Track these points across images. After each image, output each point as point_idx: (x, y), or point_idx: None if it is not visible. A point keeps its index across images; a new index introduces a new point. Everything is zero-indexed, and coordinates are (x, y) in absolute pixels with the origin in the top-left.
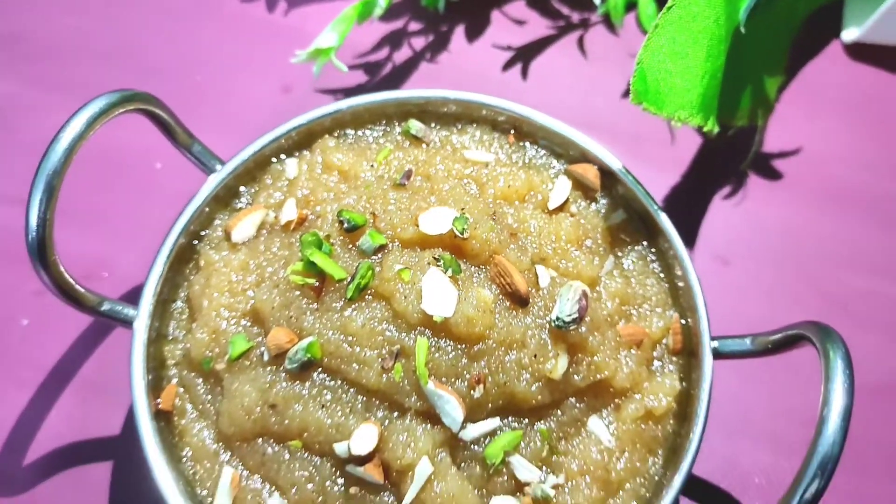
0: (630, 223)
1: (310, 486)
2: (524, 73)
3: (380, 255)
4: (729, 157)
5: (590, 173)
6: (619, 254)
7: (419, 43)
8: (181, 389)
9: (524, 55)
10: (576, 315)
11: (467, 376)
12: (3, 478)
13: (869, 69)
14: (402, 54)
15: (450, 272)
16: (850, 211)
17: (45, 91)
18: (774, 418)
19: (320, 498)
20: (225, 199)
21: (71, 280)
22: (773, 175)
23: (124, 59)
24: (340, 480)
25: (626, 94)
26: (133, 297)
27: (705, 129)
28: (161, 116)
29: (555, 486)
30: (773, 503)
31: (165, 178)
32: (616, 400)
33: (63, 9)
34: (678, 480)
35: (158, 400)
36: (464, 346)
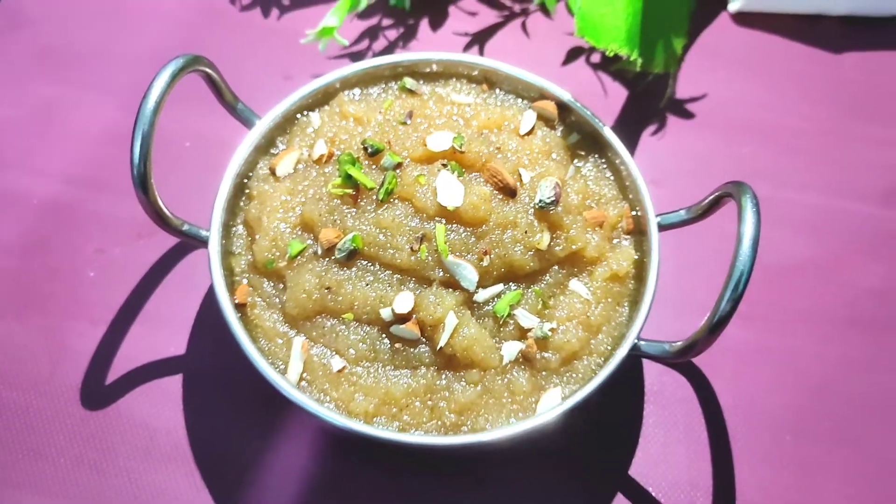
0: (583, 142)
1: (363, 346)
2: (481, 52)
3: (398, 171)
4: (650, 104)
5: (549, 107)
6: (578, 164)
7: (392, 34)
8: (250, 289)
9: (479, 39)
10: (553, 198)
11: (476, 250)
12: (89, 396)
13: (752, 31)
14: (379, 44)
15: (456, 174)
16: (750, 139)
17: (82, 90)
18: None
19: (372, 354)
20: (264, 147)
21: (162, 205)
22: (687, 115)
23: (148, 63)
24: (386, 340)
25: (564, 63)
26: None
27: (632, 59)
28: (215, 78)
29: (550, 330)
30: (720, 364)
31: (194, 154)
32: (588, 267)
33: (84, 24)
34: (640, 319)
35: (234, 297)
36: (471, 228)
